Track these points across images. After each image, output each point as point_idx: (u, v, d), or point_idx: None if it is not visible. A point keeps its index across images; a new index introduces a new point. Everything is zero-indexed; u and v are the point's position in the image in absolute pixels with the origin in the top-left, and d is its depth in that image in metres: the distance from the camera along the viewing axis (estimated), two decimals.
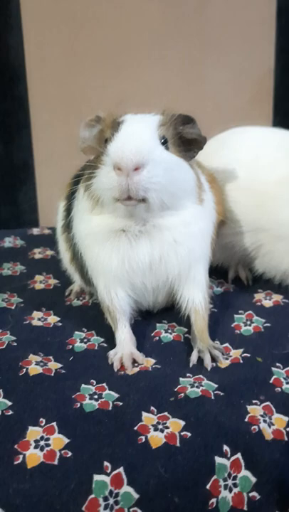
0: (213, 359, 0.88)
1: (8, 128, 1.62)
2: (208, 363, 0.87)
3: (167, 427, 0.73)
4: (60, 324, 1.01)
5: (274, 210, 1.06)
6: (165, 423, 0.73)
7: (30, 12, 1.55)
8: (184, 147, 0.91)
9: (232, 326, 1.00)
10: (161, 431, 0.72)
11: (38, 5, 1.55)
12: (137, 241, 0.89)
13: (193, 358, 0.88)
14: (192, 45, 1.64)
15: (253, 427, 0.74)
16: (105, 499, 0.65)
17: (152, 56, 1.62)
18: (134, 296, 0.94)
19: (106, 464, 0.67)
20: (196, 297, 0.95)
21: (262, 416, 0.76)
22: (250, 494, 0.69)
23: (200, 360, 0.89)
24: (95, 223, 0.90)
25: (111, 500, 0.65)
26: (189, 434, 0.72)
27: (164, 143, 0.87)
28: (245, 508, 0.69)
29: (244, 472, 0.70)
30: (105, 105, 1.44)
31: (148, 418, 0.74)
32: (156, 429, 0.72)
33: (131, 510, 0.66)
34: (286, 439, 0.73)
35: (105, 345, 0.94)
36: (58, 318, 1.02)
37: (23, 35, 1.55)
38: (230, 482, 0.69)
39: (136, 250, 0.89)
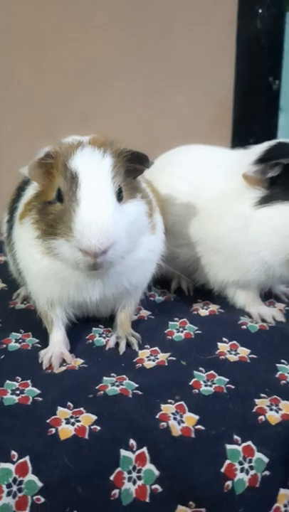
0: (129, 345, 0.95)
1: None
2: (123, 348, 0.94)
3: (79, 421, 0.76)
4: None
5: (211, 224, 1.11)
6: (78, 417, 0.77)
7: None
8: (130, 170, 0.91)
9: (165, 332, 1.04)
10: (72, 424, 0.75)
11: (7, 22, 1.62)
12: (90, 287, 0.91)
13: (111, 343, 0.95)
14: (155, 67, 1.72)
15: (161, 424, 0.77)
16: (9, 486, 0.68)
17: (116, 77, 1.69)
18: (73, 310, 0.98)
19: (13, 453, 0.70)
20: (128, 303, 1.02)
21: (173, 414, 0.79)
22: (153, 487, 0.72)
23: (127, 360, 0.93)
24: (45, 266, 0.89)
25: (14, 487, 0.68)
26: (99, 428, 0.75)
27: (119, 192, 0.87)
28: (147, 500, 0.72)
29: (148, 466, 0.73)
30: (68, 121, 1.49)
31: (63, 412, 0.78)
32: (67, 423, 0.76)
33: (34, 498, 0.69)
34: (194, 436, 0.77)
35: (39, 345, 0.98)
36: None
37: None
38: (134, 475, 0.73)
39: (88, 294, 0.91)
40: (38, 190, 0.93)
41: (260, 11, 1.67)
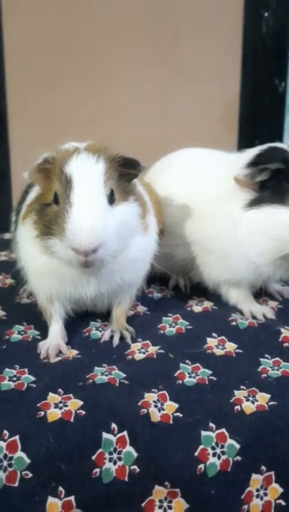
0: (123, 338, 1.02)
1: None
2: (116, 341, 1.01)
3: (66, 406, 0.83)
4: (4, 318, 1.13)
5: (203, 225, 1.17)
6: (66, 402, 0.84)
7: (13, 35, 1.71)
8: (123, 174, 0.96)
9: (158, 326, 1.10)
10: (60, 408, 0.83)
11: (21, 28, 1.71)
12: (85, 284, 0.98)
13: (105, 336, 1.02)
14: (162, 71, 1.78)
15: (142, 410, 0.84)
16: (0, 461, 0.76)
17: (123, 81, 1.76)
18: (71, 305, 1.06)
19: (5, 432, 0.78)
20: (123, 299, 1.08)
21: (154, 402, 0.86)
22: (132, 467, 0.79)
23: (119, 352, 1.00)
24: (43, 263, 0.97)
25: (5, 463, 0.76)
26: (84, 413, 0.82)
27: (111, 195, 0.92)
28: (126, 479, 0.79)
29: (128, 448, 0.80)
30: (77, 124, 1.58)
31: (53, 397, 0.85)
32: (56, 407, 0.83)
33: (23, 473, 0.76)
34: (171, 422, 0.83)
35: (39, 337, 1.06)
36: (4, 313, 1.14)
37: (4, 55, 1.71)
38: (115, 456, 0.79)
39: (83, 290, 0.99)
40: (38, 193, 1.01)
41: (265, 14, 1.70)
